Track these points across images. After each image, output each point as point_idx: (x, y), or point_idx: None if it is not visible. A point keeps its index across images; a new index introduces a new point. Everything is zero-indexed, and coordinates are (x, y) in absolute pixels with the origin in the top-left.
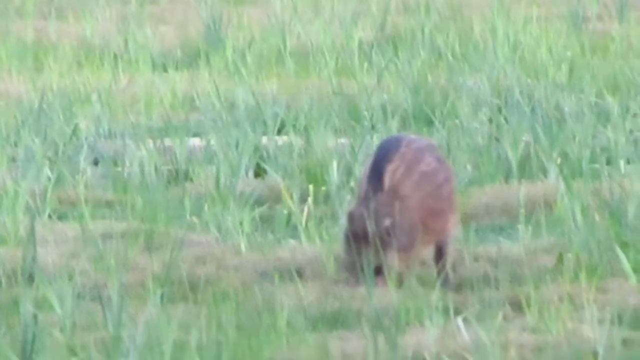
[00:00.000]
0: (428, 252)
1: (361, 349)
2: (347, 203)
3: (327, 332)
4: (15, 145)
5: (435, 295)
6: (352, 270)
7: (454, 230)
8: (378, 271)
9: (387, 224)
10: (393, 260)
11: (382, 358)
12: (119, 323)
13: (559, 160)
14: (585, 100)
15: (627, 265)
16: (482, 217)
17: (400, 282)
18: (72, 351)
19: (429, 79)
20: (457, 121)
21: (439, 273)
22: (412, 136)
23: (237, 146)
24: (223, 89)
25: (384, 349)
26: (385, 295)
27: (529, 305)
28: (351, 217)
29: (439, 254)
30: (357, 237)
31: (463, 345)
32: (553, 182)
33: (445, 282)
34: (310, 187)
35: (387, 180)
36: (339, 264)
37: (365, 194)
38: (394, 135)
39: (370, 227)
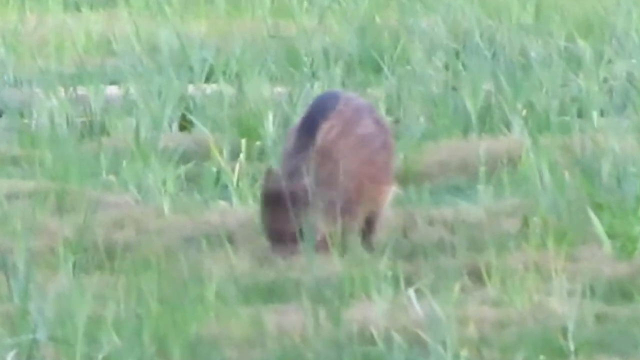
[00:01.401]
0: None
1: (300, 323)
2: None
3: (261, 305)
4: None
5: (383, 263)
6: (276, 238)
7: (388, 197)
8: (293, 237)
9: (309, 183)
10: (314, 225)
11: (323, 334)
12: (26, 294)
13: (524, 112)
14: (554, 44)
15: (600, 230)
16: (438, 176)
17: (342, 250)
18: None
19: (377, 19)
20: (409, 67)
21: (362, 241)
22: (351, 94)
23: (159, 95)
24: (144, 31)
25: (326, 324)
26: (328, 263)
27: (489, 275)
28: (267, 176)
29: (368, 227)
30: (271, 199)
31: (415, 320)
32: (517, 136)
33: (369, 250)
34: (243, 141)
35: (319, 138)
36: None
37: (293, 150)
38: (331, 91)
39: (289, 186)
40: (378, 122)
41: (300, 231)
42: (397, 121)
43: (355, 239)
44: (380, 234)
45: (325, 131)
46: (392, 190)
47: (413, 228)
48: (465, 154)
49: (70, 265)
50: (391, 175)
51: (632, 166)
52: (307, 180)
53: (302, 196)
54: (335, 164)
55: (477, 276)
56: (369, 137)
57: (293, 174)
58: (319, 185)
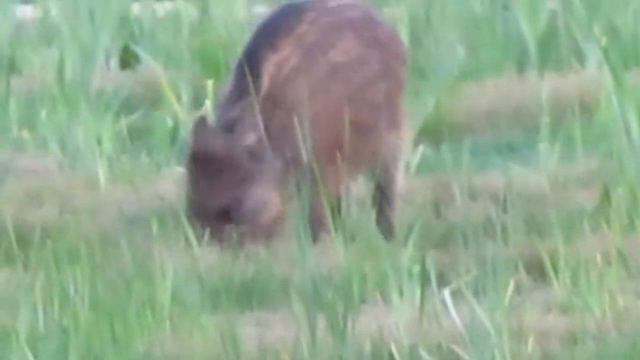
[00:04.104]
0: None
1: (290, 338)
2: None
3: (235, 313)
4: None
5: (407, 253)
6: (197, 214)
7: (400, 152)
8: (220, 214)
9: (250, 143)
10: (258, 201)
11: (322, 352)
12: None
13: (603, 40)
14: None
15: None
16: (482, 130)
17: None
18: None
19: None
20: None
21: (377, 221)
22: (331, 1)
23: (91, 18)
24: None
25: (326, 339)
26: (328, 254)
27: (555, 270)
28: (197, 127)
29: (379, 192)
30: (197, 160)
31: (451, 333)
32: (594, 73)
33: (387, 235)
34: (209, 83)
35: (265, 79)
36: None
37: (231, 95)
38: (293, 2)
39: (223, 147)
40: (374, 39)
41: (236, 206)
42: (424, 53)
43: (367, 218)
44: (401, 209)
45: (275, 67)
46: (404, 138)
47: (448, 203)
48: (521, 99)
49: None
50: (400, 116)
51: None
52: (251, 135)
53: (241, 158)
54: (289, 111)
55: (538, 271)
56: (352, 64)
57: (231, 127)
58: (269, 141)
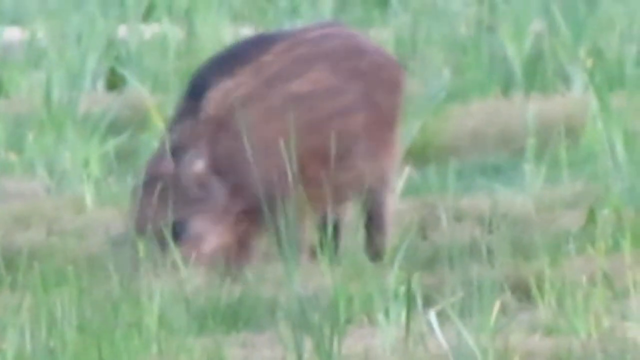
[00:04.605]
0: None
1: (276, 359)
2: None
3: (222, 335)
4: None
5: (393, 275)
6: (138, 232)
7: (383, 182)
8: (176, 236)
9: (198, 170)
10: (201, 232)
11: None
12: None
13: (588, 62)
14: None
15: None
16: (468, 152)
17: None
18: None
19: None
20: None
21: (366, 246)
22: (315, 31)
23: (79, 40)
24: None
25: None
26: (314, 276)
27: (541, 292)
28: (152, 155)
29: (368, 218)
30: (149, 184)
31: (437, 354)
32: (579, 95)
33: (374, 260)
34: None
35: (211, 101)
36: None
37: (177, 116)
38: (267, 33)
39: (172, 172)
40: (354, 69)
41: (180, 228)
42: (410, 75)
43: (353, 240)
44: (391, 235)
45: (224, 92)
46: (388, 168)
47: (434, 225)
48: (507, 121)
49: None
50: (384, 146)
51: None
52: (199, 162)
53: (189, 184)
54: (236, 136)
55: (523, 292)
56: (320, 95)
57: (180, 151)
58: (213, 167)
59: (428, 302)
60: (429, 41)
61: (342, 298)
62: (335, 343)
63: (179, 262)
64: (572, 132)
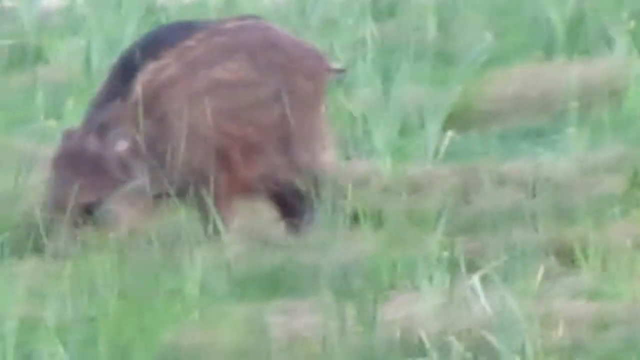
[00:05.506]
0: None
1: (318, 326)
2: None
3: (263, 302)
4: None
5: (436, 240)
6: (53, 210)
7: (287, 176)
8: (88, 212)
9: (121, 151)
10: (117, 213)
11: (352, 341)
12: None
13: (631, 24)
14: None
15: None
16: (510, 116)
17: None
18: None
19: None
20: None
21: (291, 226)
22: (232, 22)
23: (118, 6)
24: None
25: (355, 327)
26: (356, 242)
27: (585, 256)
28: (65, 136)
29: (289, 202)
30: (57, 162)
31: (481, 320)
32: (621, 58)
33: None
34: None
35: (139, 82)
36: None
37: (102, 97)
38: (184, 21)
39: (89, 152)
40: (270, 63)
41: (97, 206)
42: (452, 40)
43: (394, 206)
44: (429, 195)
45: (150, 74)
46: (298, 161)
47: (477, 190)
48: (549, 84)
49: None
50: (296, 139)
51: None
52: (123, 143)
53: (111, 163)
54: (161, 119)
55: (567, 257)
56: (237, 85)
57: (103, 131)
58: (136, 147)
59: (471, 267)
60: (470, 5)
61: (384, 264)
62: (378, 309)
63: (220, 228)
64: (615, 95)
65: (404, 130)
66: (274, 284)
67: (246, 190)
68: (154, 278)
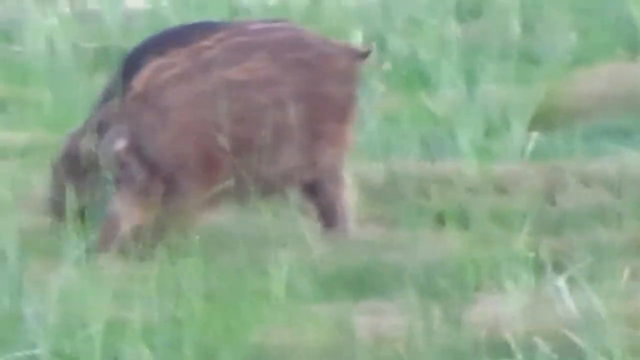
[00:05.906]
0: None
1: (404, 327)
2: None
3: (349, 302)
4: None
5: (521, 241)
6: (53, 214)
7: (332, 174)
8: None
9: (118, 150)
10: (118, 213)
11: (438, 341)
12: (20, 292)
13: None
14: None
15: None
16: (595, 115)
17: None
18: None
19: None
20: None
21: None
22: (259, 24)
23: (201, 8)
24: None
25: (441, 327)
26: (440, 242)
27: None
28: (67, 136)
29: (322, 212)
30: (67, 164)
31: (566, 320)
32: None
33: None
34: None
35: (140, 79)
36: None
37: (102, 95)
38: (202, 22)
39: (89, 150)
40: (297, 61)
41: (93, 208)
42: (536, 39)
43: (481, 208)
44: (513, 196)
45: (153, 70)
46: (334, 161)
47: (561, 190)
48: (634, 83)
49: (80, 249)
50: (333, 140)
51: None
52: (121, 142)
53: (108, 164)
54: (161, 115)
55: None
56: (252, 86)
57: (101, 130)
58: (134, 145)
59: (556, 268)
60: (555, 4)
61: (469, 265)
62: (464, 310)
63: (306, 230)
64: None
65: (489, 131)
66: (360, 285)
67: (267, 189)
68: (240, 279)
